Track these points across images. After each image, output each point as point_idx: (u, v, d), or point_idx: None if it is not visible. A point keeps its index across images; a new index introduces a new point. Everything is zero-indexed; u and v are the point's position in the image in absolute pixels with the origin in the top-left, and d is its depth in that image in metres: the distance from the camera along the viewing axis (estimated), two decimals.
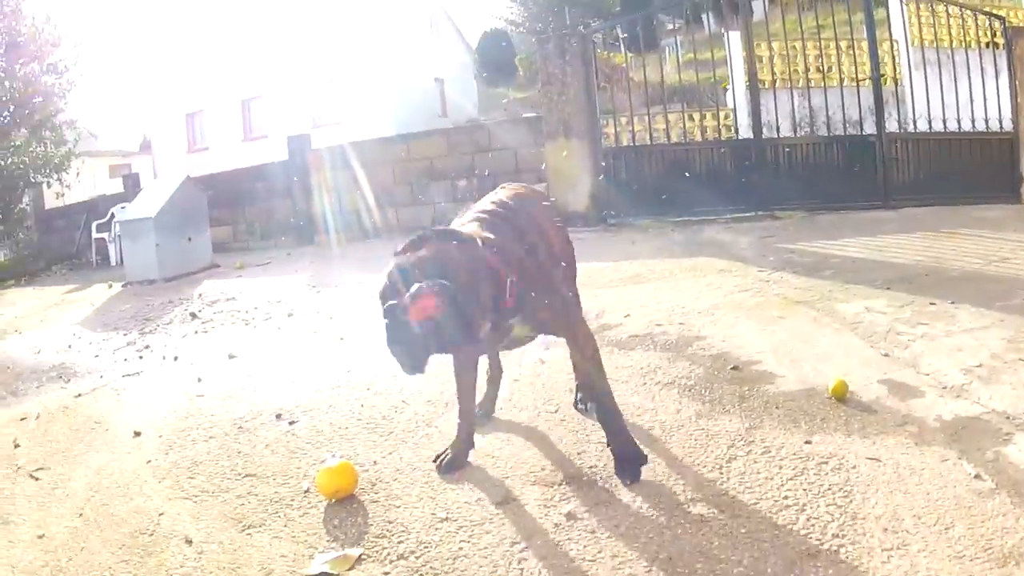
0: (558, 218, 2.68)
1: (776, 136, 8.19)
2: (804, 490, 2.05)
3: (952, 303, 3.79)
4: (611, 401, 2.25)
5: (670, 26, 21.67)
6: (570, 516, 2.04)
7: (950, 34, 8.45)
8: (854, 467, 2.16)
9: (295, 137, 11.16)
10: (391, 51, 21.00)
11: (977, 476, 2.04)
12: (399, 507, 2.22)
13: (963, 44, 8.35)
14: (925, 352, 3.11)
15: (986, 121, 8.02)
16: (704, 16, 19.58)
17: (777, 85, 9.65)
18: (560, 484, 2.24)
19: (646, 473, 2.20)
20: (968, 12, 8.47)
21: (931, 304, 3.81)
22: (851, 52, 9.12)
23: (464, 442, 2.44)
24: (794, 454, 2.28)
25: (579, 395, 2.67)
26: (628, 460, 2.20)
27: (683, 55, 13.96)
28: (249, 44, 22.14)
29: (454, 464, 2.41)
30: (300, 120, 19.79)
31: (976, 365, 2.89)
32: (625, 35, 14.37)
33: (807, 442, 2.36)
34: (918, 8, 10.01)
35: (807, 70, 8.76)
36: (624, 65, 12.88)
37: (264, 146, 18.30)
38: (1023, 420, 2.37)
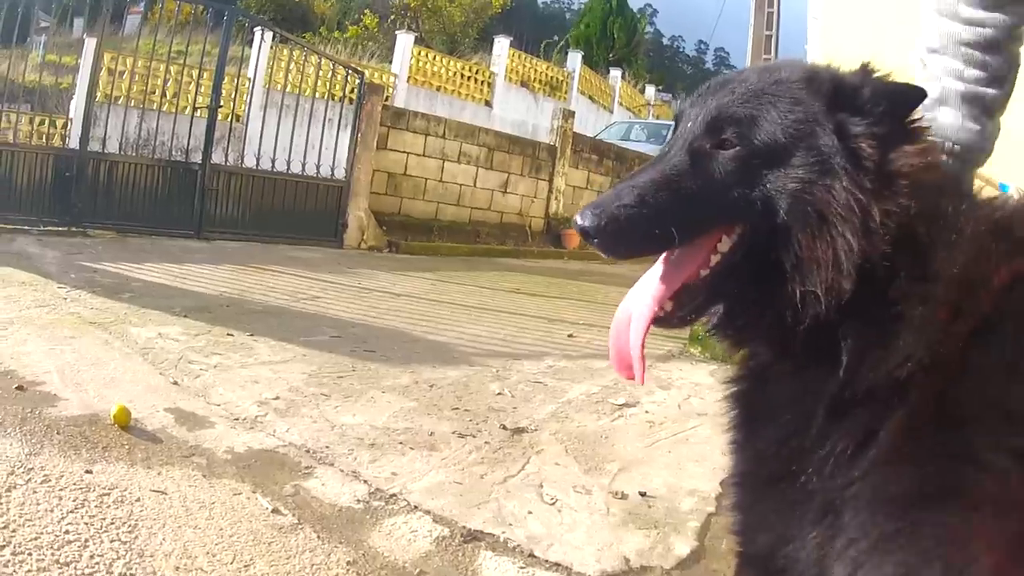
0: None
1: (101, 151, 8.14)
2: (86, 524, 1.94)
3: (251, 335, 4.20)
4: None
5: (44, 23, 19.53)
6: None
7: (312, 84, 9.72)
8: (138, 500, 2.15)
9: None
10: None
11: (275, 511, 2.25)
12: None
13: (324, 95, 9.76)
14: (218, 382, 3.36)
15: (326, 167, 9.36)
16: (76, 20, 18.17)
17: (120, 101, 9.61)
18: None
19: None
20: (332, 64, 9.89)
21: (228, 335, 4.16)
22: (201, 82, 9.53)
23: None
24: (75, 484, 2.15)
25: None
26: None
27: (47, 55, 12.50)
28: None
29: None
30: None
31: (273, 397, 3.25)
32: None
33: (88, 471, 2.26)
34: (289, 54, 11.21)
35: (154, 92, 8.91)
36: None
37: None
38: (324, 454, 2.74)
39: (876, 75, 1.08)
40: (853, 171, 0.99)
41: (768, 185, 1.01)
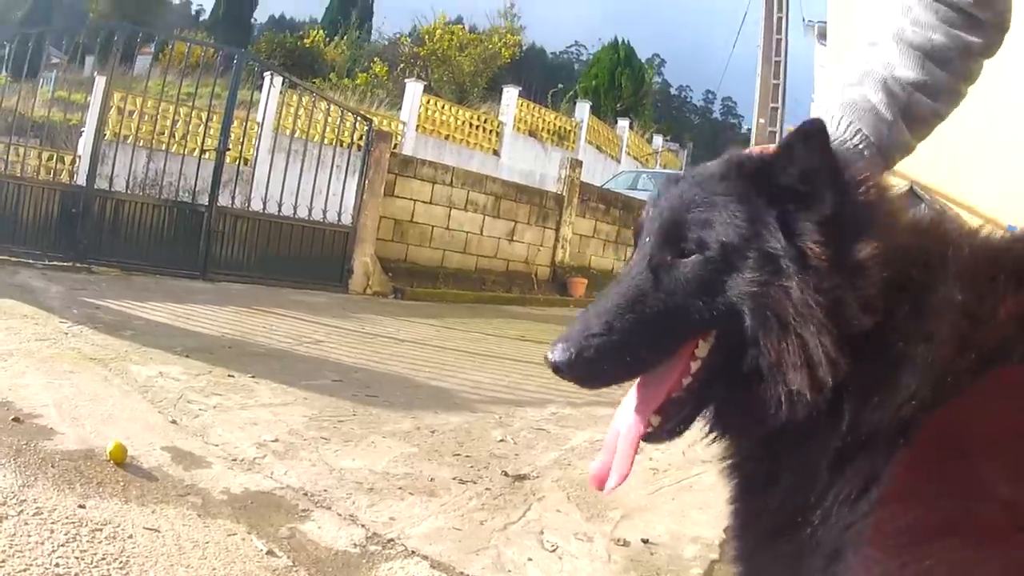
0: None
1: (108, 189, 8.25)
2: (77, 558, 1.93)
3: (252, 377, 4.20)
4: None
5: (55, 59, 20.35)
6: None
7: (321, 130, 9.98)
8: (131, 536, 2.14)
9: None
10: None
11: (270, 552, 2.23)
12: None
13: (333, 141, 9.96)
14: (216, 423, 3.35)
15: (333, 212, 9.47)
16: (88, 57, 18.82)
17: (129, 140, 9.81)
18: None
19: None
20: (341, 111, 10.08)
21: (229, 376, 4.16)
22: (210, 124, 9.70)
23: None
24: (67, 518, 2.15)
25: None
26: None
27: (56, 91, 12.89)
28: None
29: None
30: None
31: (272, 440, 3.24)
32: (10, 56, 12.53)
33: (81, 506, 2.26)
34: (298, 99, 11.41)
35: (162, 132, 9.09)
36: None
37: None
38: (322, 497, 2.72)
39: (809, 142, 1.01)
40: (802, 272, 0.96)
41: (729, 292, 1.00)
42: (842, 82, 1.29)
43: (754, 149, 1.15)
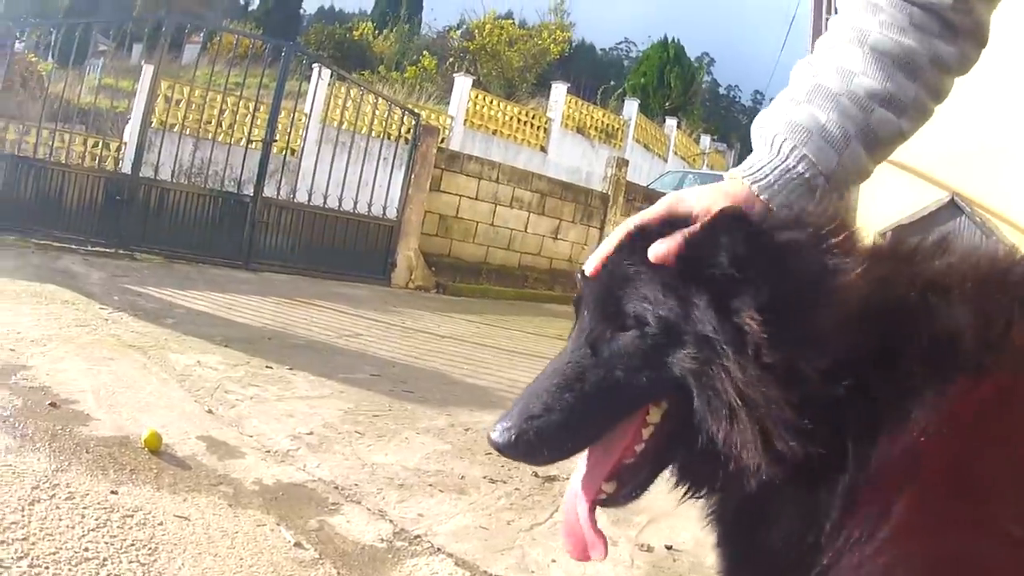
0: None
1: (153, 177, 8.41)
2: (107, 543, 1.97)
3: (290, 369, 4.25)
4: None
5: (103, 47, 20.79)
6: None
7: (368, 122, 10.11)
8: (161, 524, 2.17)
9: None
10: None
11: (298, 544, 2.25)
12: None
13: (380, 134, 10.03)
14: (252, 414, 3.39)
15: (378, 206, 9.54)
16: (135, 45, 19.29)
17: (175, 129, 9.97)
18: None
19: None
20: (389, 104, 10.20)
21: (268, 367, 4.21)
22: (257, 115, 9.85)
23: None
24: (99, 503, 2.19)
25: None
26: None
27: (103, 79, 13.23)
28: None
29: None
30: None
31: (307, 432, 3.27)
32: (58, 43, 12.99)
33: (113, 492, 2.30)
34: (346, 92, 11.56)
35: (209, 121, 9.24)
36: (46, 73, 11.85)
37: None
38: (352, 491, 2.74)
39: (732, 231, 0.93)
40: (741, 351, 0.91)
41: (673, 368, 0.96)
42: (787, 97, 1.12)
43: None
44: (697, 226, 0.97)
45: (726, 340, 0.93)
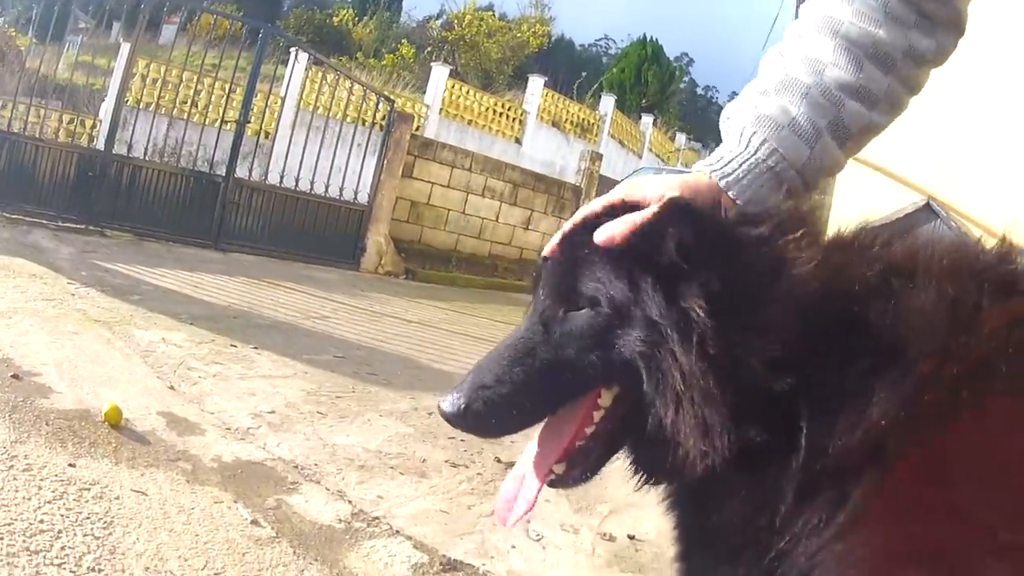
0: None
1: (127, 155, 8.32)
2: (62, 515, 1.96)
3: (255, 348, 4.23)
4: None
5: (83, 24, 20.40)
6: None
7: (343, 108, 10.01)
8: (117, 498, 2.16)
9: None
10: None
11: (255, 522, 2.25)
12: None
13: (355, 119, 9.96)
14: (214, 391, 3.38)
15: (350, 190, 9.48)
16: (115, 23, 18.95)
17: (150, 107, 9.84)
18: None
19: None
20: (364, 90, 10.11)
21: (232, 346, 4.19)
22: (233, 96, 9.72)
23: None
24: (56, 475, 2.18)
25: None
26: None
27: (81, 56, 12.98)
28: None
29: None
30: None
31: (268, 411, 3.26)
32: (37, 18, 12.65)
33: (71, 465, 2.29)
34: (322, 76, 11.40)
35: (184, 101, 9.33)
36: (24, 48, 11.67)
37: None
38: (312, 471, 2.74)
39: (680, 221, 0.94)
40: (685, 337, 0.91)
41: (623, 350, 0.96)
42: (756, 89, 1.09)
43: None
44: (646, 211, 0.98)
45: (672, 325, 0.93)
